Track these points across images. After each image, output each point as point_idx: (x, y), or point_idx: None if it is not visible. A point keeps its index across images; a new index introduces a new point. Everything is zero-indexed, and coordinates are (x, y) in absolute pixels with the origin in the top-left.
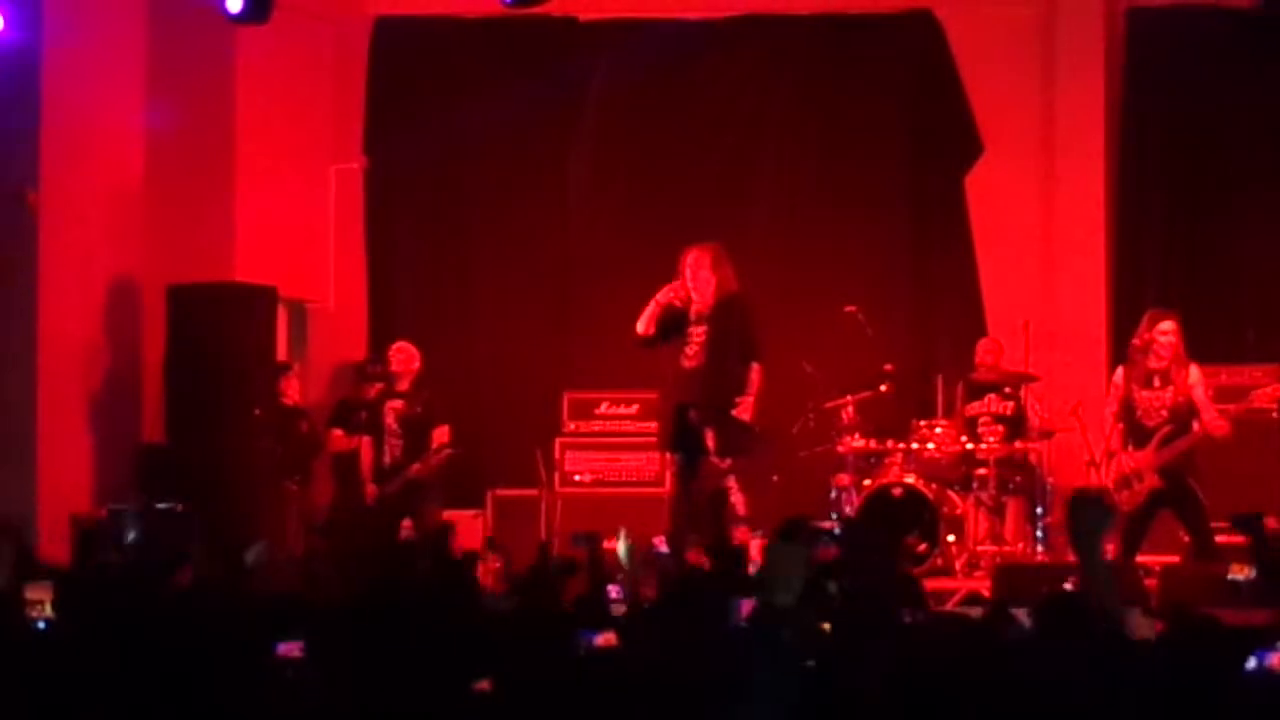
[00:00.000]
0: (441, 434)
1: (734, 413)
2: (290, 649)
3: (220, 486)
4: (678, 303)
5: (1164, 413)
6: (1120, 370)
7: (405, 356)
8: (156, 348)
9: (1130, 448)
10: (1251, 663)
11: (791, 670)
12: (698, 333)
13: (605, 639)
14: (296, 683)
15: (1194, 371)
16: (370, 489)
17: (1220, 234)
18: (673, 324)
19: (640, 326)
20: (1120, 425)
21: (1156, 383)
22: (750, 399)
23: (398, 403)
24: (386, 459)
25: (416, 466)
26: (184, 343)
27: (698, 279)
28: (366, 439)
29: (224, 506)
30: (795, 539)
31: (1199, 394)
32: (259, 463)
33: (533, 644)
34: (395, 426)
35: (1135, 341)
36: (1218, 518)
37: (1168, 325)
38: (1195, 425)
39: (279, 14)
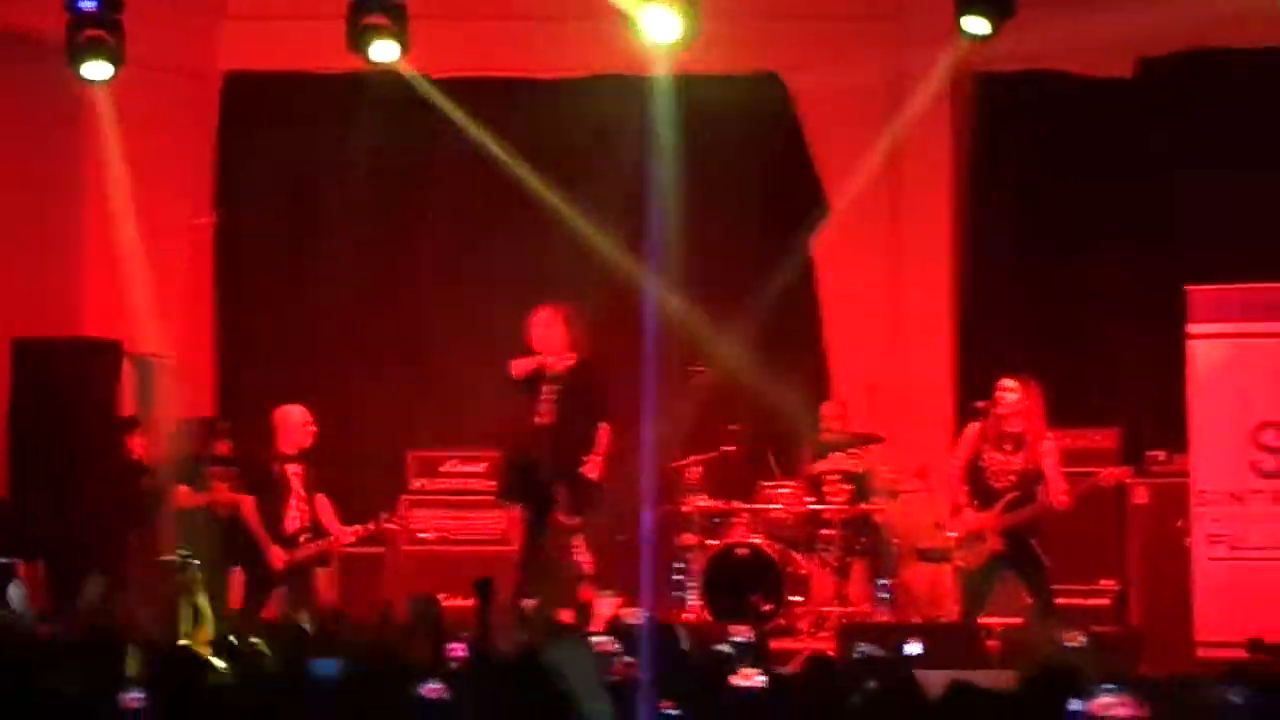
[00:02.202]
0: (325, 503)
1: (583, 470)
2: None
3: (63, 541)
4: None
5: (1012, 477)
6: (974, 426)
7: (308, 421)
8: (0, 402)
9: (975, 505)
10: (1075, 706)
11: None
12: (549, 391)
13: (433, 690)
14: None
15: (1048, 443)
16: (276, 551)
17: (1066, 297)
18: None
19: (514, 370)
20: (965, 483)
21: (1008, 446)
22: (599, 458)
23: (298, 467)
24: (294, 524)
25: (349, 535)
26: (28, 396)
27: (549, 339)
28: (250, 499)
29: (66, 561)
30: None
31: (1050, 465)
32: (102, 518)
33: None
34: (302, 492)
35: (982, 404)
36: (1059, 580)
37: (1008, 383)
38: (1040, 493)
39: (129, 68)
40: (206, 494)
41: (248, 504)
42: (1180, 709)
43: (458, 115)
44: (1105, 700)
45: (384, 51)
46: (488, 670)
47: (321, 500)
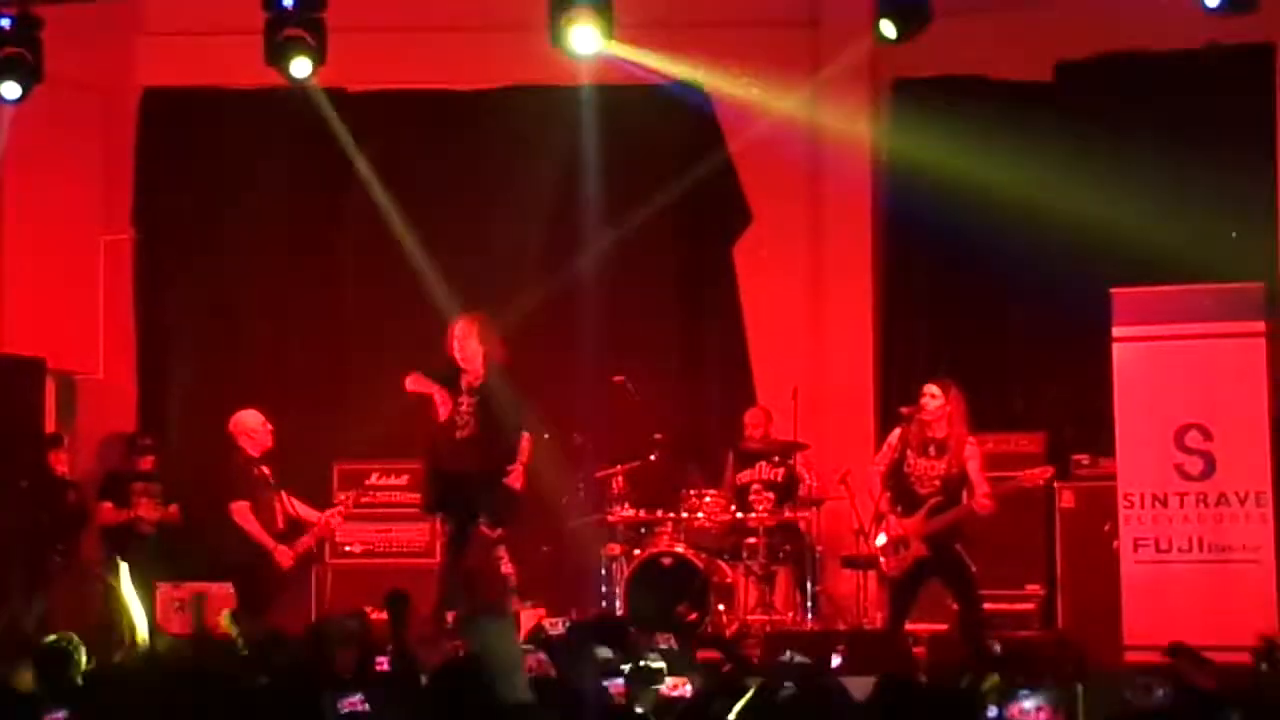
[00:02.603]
0: (291, 499)
1: (505, 480)
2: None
3: None
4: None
5: (936, 482)
6: (897, 432)
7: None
8: None
9: (899, 511)
10: (992, 712)
11: None
12: (468, 403)
13: (351, 703)
14: None
15: (971, 446)
16: (283, 551)
17: (988, 301)
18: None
19: (406, 385)
20: (887, 488)
21: (932, 451)
22: (520, 467)
23: (266, 468)
24: (282, 522)
25: (335, 517)
26: None
27: (465, 350)
28: (243, 504)
29: None
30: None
31: (974, 468)
32: (25, 534)
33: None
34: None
35: (905, 410)
36: (986, 586)
37: (931, 389)
38: (964, 497)
39: (46, 85)
40: (129, 509)
41: (241, 509)
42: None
43: (373, 128)
44: (1023, 705)
45: (302, 66)
46: (407, 683)
47: (287, 496)
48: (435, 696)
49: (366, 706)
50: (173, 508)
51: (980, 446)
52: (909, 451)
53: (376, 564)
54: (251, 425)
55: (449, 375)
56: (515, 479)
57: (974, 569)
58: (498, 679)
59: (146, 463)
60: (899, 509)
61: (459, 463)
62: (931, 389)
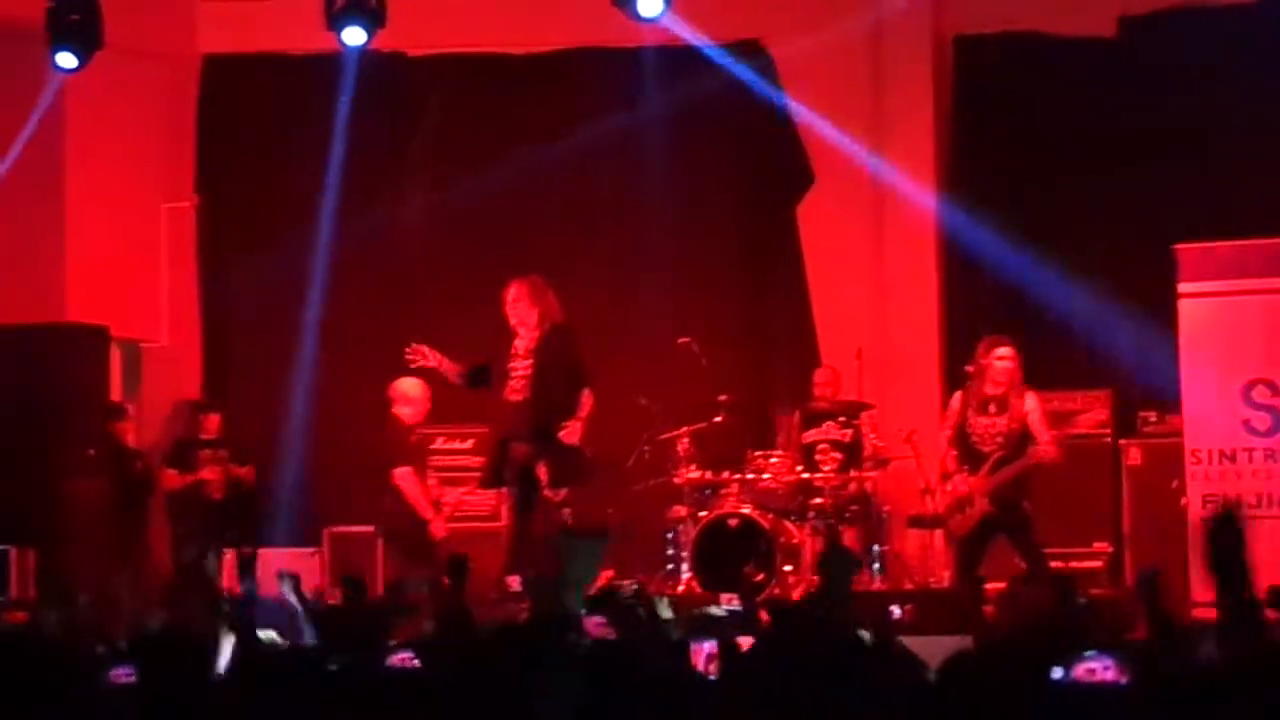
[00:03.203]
0: None
1: (560, 436)
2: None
3: (52, 528)
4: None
5: (998, 439)
6: (957, 395)
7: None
8: None
9: (965, 471)
10: (1058, 673)
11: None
12: (523, 367)
13: (402, 659)
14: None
15: (1030, 398)
16: (438, 521)
17: (1051, 259)
18: (476, 373)
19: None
20: (954, 450)
21: (992, 409)
22: (577, 422)
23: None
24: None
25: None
26: (14, 384)
27: (519, 313)
28: (406, 469)
29: (56, 548)
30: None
31: (1035, 419)
32: (92, 503)
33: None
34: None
35: (970, 368)
36: (1054, 544)
37: (1005, 351)
38: (1029, 451)
39: (107, 53)
40: (194, 475)
41: (405, 474)
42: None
43: (435, 92)
44: (1089, 665)
45: (362, 30)
46: (462, 642)
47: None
48: (490, 657)
49: (417, 663)
50: (246, 469)
51: (1040, 399)
52: (969, 412)
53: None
54: (412, 393)
55: (477, 373)
56: (571, 434)
57: (1037, 526)
58: (564, 588)
59: (211, 428)
60: (965, 469)
61: (516, 426)
62: (1005, 350)
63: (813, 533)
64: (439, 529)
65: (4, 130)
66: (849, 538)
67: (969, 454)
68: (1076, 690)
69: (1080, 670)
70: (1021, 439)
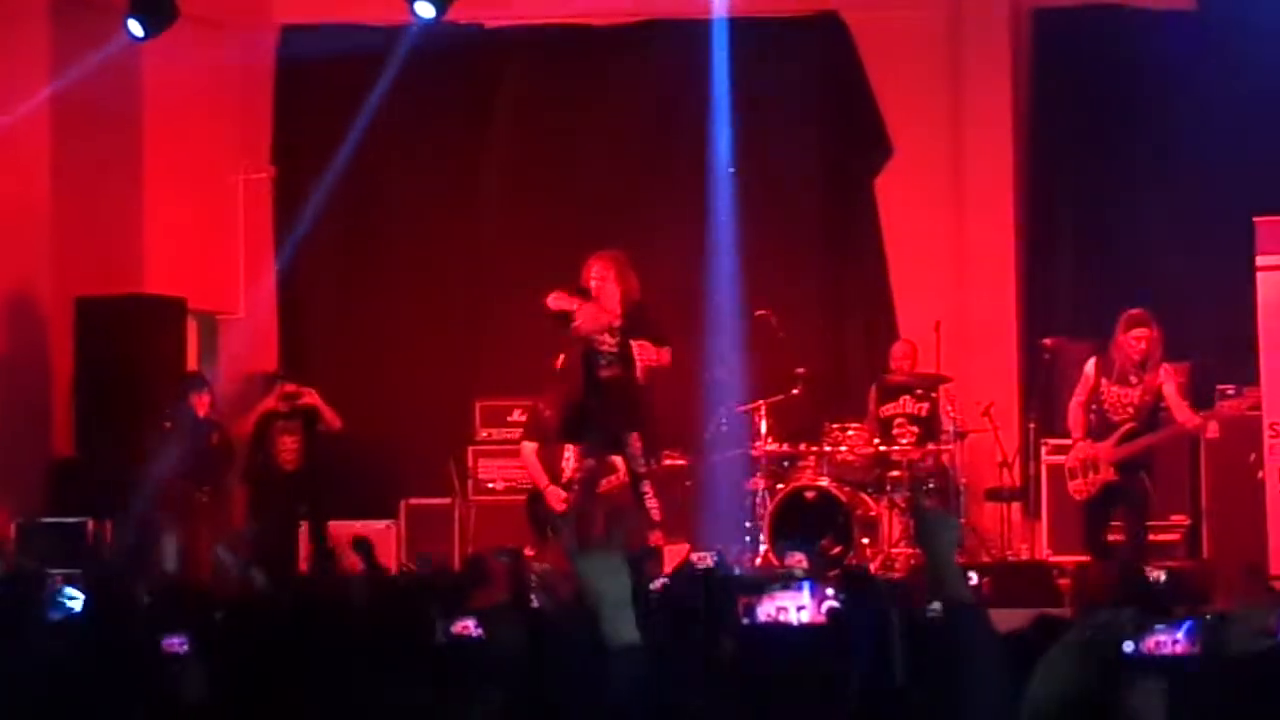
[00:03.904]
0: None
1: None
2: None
3: (131, 499)
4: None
5: (1129, 409)
6: (1093, 362)
7: None
8: (65, 361)
9: (1091, 439)
10: (1129, 646)
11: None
12: (610, 343)
13: (464, 626)
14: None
15: (1166, 371)
16: (554, 490)
17: (1131, 232)
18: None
19: (550, 304)
20: (1086, 416)
21: (1133, 379)
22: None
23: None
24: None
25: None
26: (92, 356)
27: (604, 292)
28: (531, 444)
29: (135, 518)
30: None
31: (1170, 390)
32: (170, 475)
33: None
34: None
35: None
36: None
37: (1140, 332)
38: (1164, 421)
39: (184, 24)
40: (270, 448)
41: (527, 449)
42: (1233, 641)
43: (511, 64)
44: (1160, 638)
45: (436, 4)
46: (523, 614)
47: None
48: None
49: (479, 632)
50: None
51: (1176, 373)
52: (1104, 380)
53: (519, 501)
54: None
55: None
56: (660, 356)
57: (1153, 501)
58: (602, 618)
59: (286, 401)
60: (1091, 437)
61: (605, 399)
62: (1140, 331)
63: (889, 506)
64: (555, 499)
65: (84, 102)
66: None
67: (1099, 421)
68: (1147, 662)
69: (1150, 643)
70: (1151, 411)
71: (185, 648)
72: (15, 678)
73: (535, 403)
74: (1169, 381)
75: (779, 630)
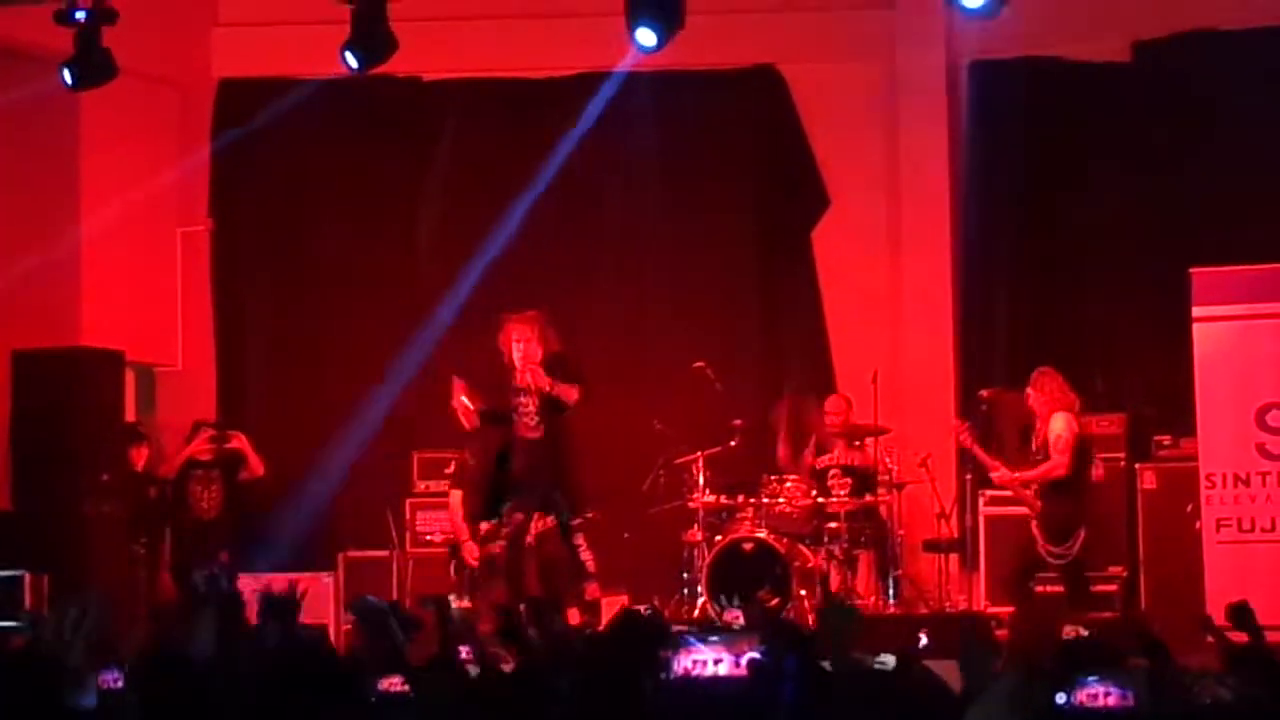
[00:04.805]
0: None
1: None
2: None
3: (67, 551)
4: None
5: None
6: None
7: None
8: (2, 414)
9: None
10: (1061, 698)
11: None
12: (530, 403)
13: (390, 683)
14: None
15: (1057, 420)
16: (469, 546)
17: (1067, 284)
18: (492, 413)
19: (466, 424)
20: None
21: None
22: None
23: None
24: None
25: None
26: (29, 408)
27: (526, 353)
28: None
29: (71, 571)
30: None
31: (1053, 438)
32: (107, 527)
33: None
34: None
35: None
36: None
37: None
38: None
39: (122, 78)
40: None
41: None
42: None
43: (449, 117)
44: (1092, 690)
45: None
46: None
47: None
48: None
49: (406, 688)
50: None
51: (1074, 421)
52: None
53: None
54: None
55: (496, 414)
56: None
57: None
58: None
59: (204, 451)
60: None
61: (534, 459)
62: (1031, 381)
63: (827, 557)
64: (470, 554)
65: (20, 156)
66: (864, 562)
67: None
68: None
69: (1083, 695)
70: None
71: (120, 683)
72: None
73: (463, 452)
74: (1058, 430)
75: (701, 684)
